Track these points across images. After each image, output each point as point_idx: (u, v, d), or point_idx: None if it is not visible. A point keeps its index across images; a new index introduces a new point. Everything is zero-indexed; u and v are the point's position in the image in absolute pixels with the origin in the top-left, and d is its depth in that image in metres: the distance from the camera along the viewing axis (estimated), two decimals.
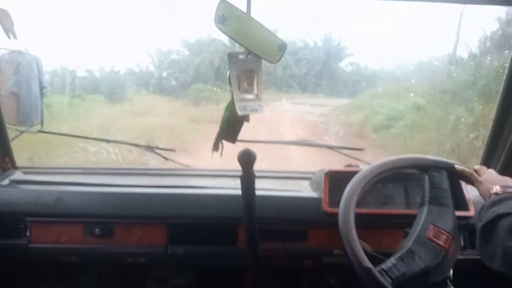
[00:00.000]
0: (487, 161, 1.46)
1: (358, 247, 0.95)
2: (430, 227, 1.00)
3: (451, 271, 1.04)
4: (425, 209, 1.04)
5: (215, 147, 1.10)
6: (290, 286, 1.62)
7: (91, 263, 1.51)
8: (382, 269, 0.94)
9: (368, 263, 0.93)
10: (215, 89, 5.93)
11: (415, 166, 1.14)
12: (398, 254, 0.97)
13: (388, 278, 0.93)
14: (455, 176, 1.12)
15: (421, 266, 0.94)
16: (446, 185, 1.08)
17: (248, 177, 1.01)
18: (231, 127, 1.04)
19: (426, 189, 1.09)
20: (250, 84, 0.97)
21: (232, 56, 0.95)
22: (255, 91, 0.98)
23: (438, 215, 1.03)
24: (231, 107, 0.99)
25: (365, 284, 0.94)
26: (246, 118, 1.00)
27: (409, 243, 0.99)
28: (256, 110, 0.97)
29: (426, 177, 1.11)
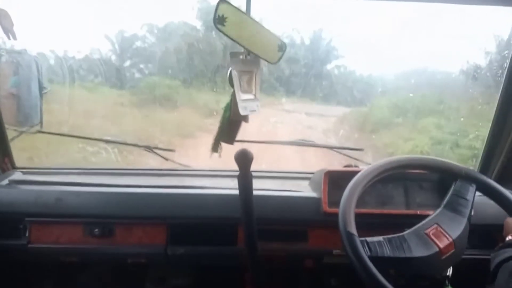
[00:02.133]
0: (486, 163, 1.47)
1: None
2: (434, 225, 1.01)
3: (450, 272, 1.04)
4: (437, 211, 1.06)
5: (214, 148, 1.09)
6: (290, 286, 1.62)
7: (91, 263, 1.51)
8: (366, 240, 0.97)
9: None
10: (177, 84, 4.45)
11: (444, 171, 1.15)
12: (389, 236, 0.99)
13: (367, 249, 0.95)
14: (484, 192, 1.12)
15: (406, 254, 0.95)
16: (470, 196, 1.08)
17: (245, 177, 1.01)
18: (230, 127, 1.04)
19: (447, 195, 1.09)
20: (249, 84, 0.97)
21: (233, 56, 0.95)
22: (254, 92, 0.98)
23: (448, 219, 1.04)
24: (232, 106, 0.99)
25: (344, 248, 0.96)
26: (245, 118, 1.00)
27: (405, 232, 1.00)
28: (255, 110, 0.97)
29: (453, 184, 1.12)
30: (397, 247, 0.96)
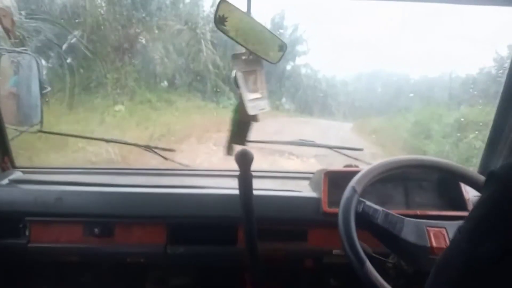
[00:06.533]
0: (486, 163, 1.47)
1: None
2: (440, 228, 0.99)
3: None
4: (455, 221, 1.01)
5: (229, 151, 1.08)
6: (290, 286, 1.62)
7: (90, 263, 1.51)
8: (365, 201, 1.00)
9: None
10: None
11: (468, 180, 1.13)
12: (388, 211, 1.00)
13: (360, 207, 0.98)
14: None
15: (394, 232, 0.96)
16: None
17: (245, 178, 1.01)
18: (241, 129, 1.04)
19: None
20: (255, 83, 0.97)
21: (236, 58, 0.95)
22: (260, 90, 0.98)
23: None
24: (240, 108, 0.98)
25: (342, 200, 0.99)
26: (255, 118, 0.99)
27: (407, 218, 1.00)
28: (264, 108, 0.97)
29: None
30: (390, 222, 0.98)
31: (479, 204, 0.54)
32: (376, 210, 0.99)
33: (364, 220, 0.98)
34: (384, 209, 1.00)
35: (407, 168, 1.10)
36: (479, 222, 0.52)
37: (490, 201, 0.53)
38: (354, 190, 1.00)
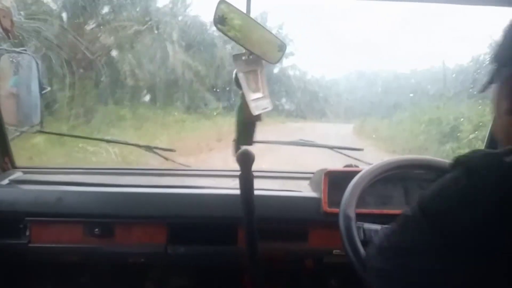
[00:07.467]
0: None
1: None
2: None
3: None
4: None
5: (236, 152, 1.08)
6: (290, 287, 1.62)
7: (91, 263, 1.51)
8: (363, 226, 0.98)
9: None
10: None
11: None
12: (387, 226, 0.99)
13: (362, 234, 0.97)
14: None
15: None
16: None
17: (246, 178, 1.01)
18: (246, 129, 1.04)
19: None
20: (256, 83, 0.97)
21: (237, 58, 0.95)
22: (262, 90, 0.98)
23: None
24: (244, 108, 0.98)
25: (339, 230, 0.97)
26: (258, 118, 1.00)
27: None
28: (267, 108, 0.97)
29: None
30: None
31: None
32: (376, 231, 0.98)
33: (368, 243, 0.97)
34: (382, 226, 0.98)
35: (398, 170, 1.10)
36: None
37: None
38: (348, 217, 0.98)
